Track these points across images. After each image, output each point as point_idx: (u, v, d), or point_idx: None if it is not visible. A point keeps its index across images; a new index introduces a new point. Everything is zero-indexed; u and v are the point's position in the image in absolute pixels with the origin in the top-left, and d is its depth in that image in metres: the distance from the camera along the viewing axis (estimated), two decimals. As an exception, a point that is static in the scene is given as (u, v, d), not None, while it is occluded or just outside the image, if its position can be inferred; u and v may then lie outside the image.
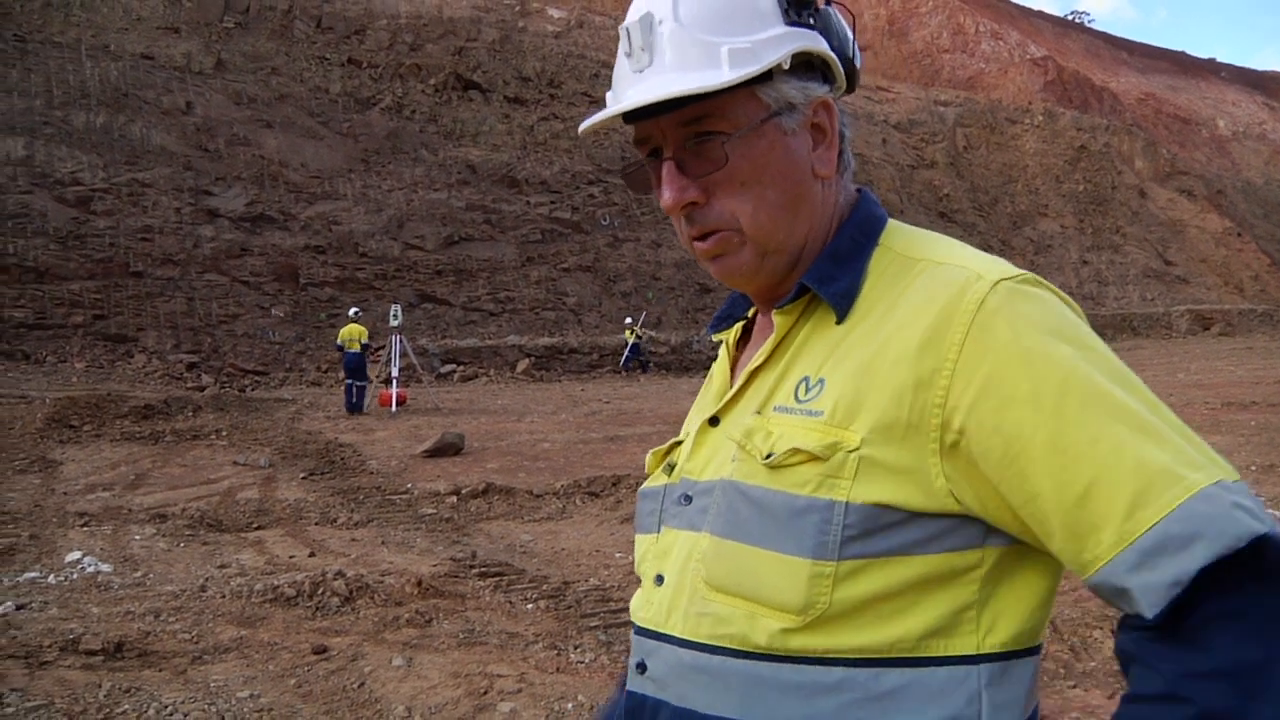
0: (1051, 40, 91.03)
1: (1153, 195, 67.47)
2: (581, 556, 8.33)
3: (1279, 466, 10.87)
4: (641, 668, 1.24)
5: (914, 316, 1.10)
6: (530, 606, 6.71)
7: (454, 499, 10.57)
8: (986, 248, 1.22)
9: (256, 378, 25.75)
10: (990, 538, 1.10)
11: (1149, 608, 0.97)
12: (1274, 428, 13.96)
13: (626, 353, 31.31)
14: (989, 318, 1.06)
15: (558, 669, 5.49)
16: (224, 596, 6.80)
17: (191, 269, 28.67)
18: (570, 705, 4.94)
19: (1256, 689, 0.92)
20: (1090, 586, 1.03)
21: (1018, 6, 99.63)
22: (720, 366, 1.35)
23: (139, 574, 7.50)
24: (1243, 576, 0.94)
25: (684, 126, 1.18)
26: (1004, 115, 66.04)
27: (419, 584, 6.91)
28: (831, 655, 1.09)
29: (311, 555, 8.19)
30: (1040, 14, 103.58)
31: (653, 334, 33.67)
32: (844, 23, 1.27)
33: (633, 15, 1.20)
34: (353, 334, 20.51)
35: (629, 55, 1.21)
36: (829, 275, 1.20)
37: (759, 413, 1.19)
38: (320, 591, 6.70)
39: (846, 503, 1.08)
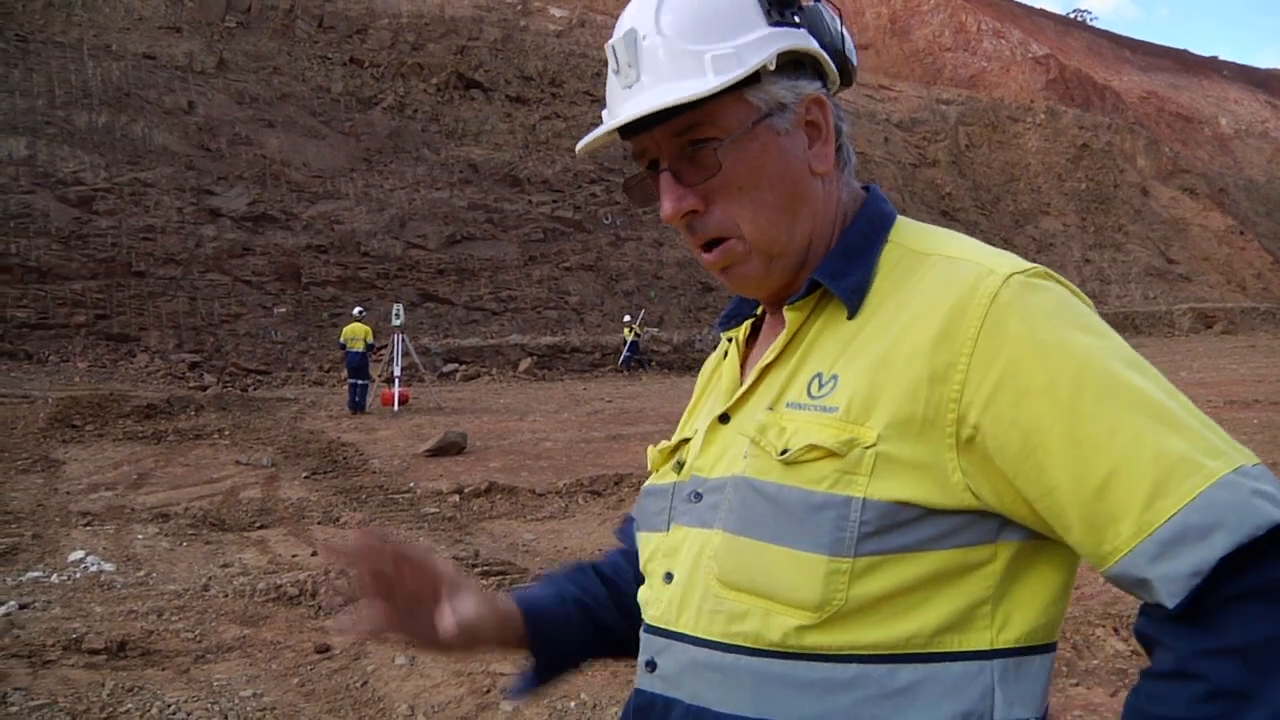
0: (1054, 39, 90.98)
1: (1155, 193, 67.44)
2: (584, 555, 8.29)
3: (1282, 465, 10.86)
4: (651, 666, 1.24)
5: (927, 311, 1.10)
6: (533, 605, 6.70)
7: (456, 498, 10.57)
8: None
9: (259, 377, 25.77)
10: (1004, 533, 1.09)
11: (1170, 598, 0.96)
12: (1277, 426, 13.95)
13: (625, 351, 31.29)
14: (1002, 311, 1.06)
15: (560, 668, 5.48)
16: (227, 596, 6.81)
17: (194, 268, 28.70)
18: (573, 704, 4.94)
19: (1269, 666, 0.92)
20: (1109, 578, 1.03)
21: (1020, 5, 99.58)
22: (730, 363, 1.34)
23: (142, 573, 7.51)
24: (1261, 560, 0.94)
25: (677, 136, 1.18)
26: (1006, 114, 66.02)
27: (421, 583, 6.89)
28: (846, 652, 1.09)
29: (314, 554, 8.19)
30: (1042, 12, 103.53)
31: (654, 332, 33.66)
32: (834, 18, 1.27)
33: (617, 33, 1.21)
34: (356, 333, 20.52)
35: (617, 73, 1.21)
36: (840, 271, 1.19)
37: (771, 409, 1.18)
38: (323, 590, 6.70)
39: (864, 499, 1.07)
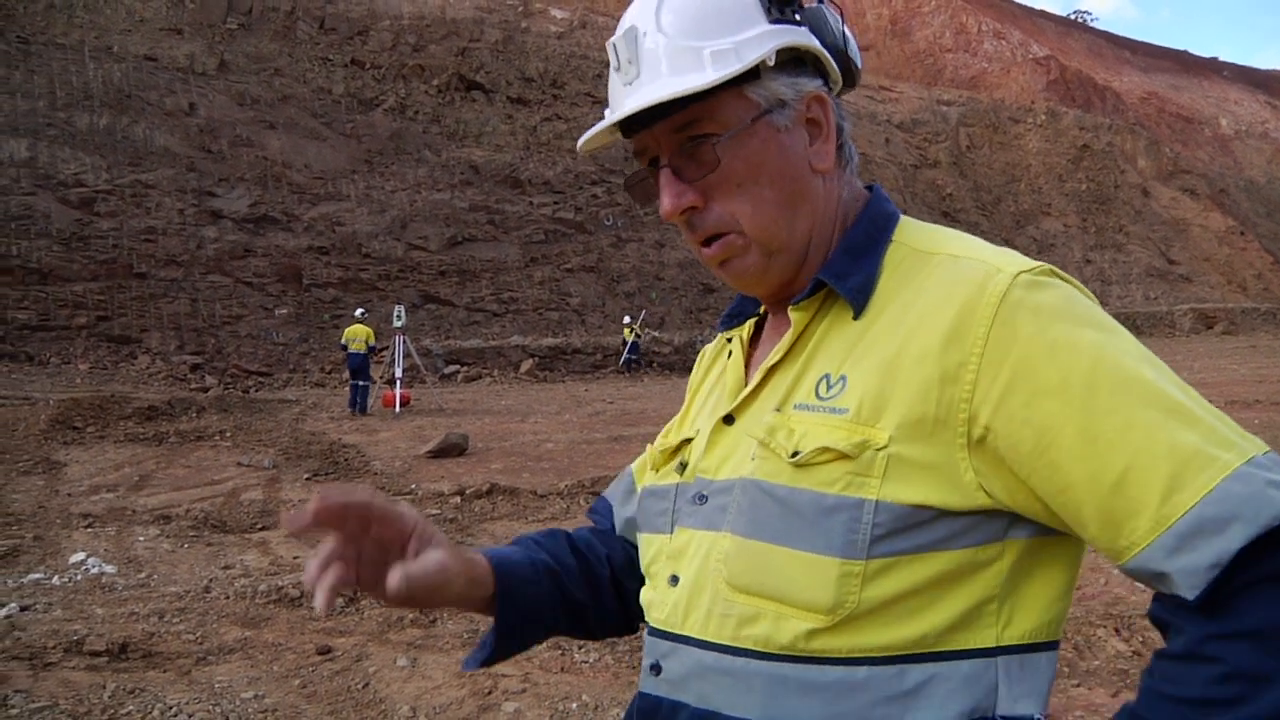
0: (1054, 40, 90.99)
1: (1156, 194, 67.44)
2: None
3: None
4: (656, 669, 1.23)
5: (935, 311, 1.10)
6: (534, 607, 6.70)
7: (458, 499, 10.57)
8: (989, 246, 1.23)
9: (260, 379, 25.78)
10: (1011, 531, 1.10)
11: (1190, 590, 0.97)
12: (1278, 426, 13.95)
13: (626, 352, 31.27)
14: (1011, 311, 1.06)
15: (562, 669, 5.49)
16: (228, 597, 6.81)
17: (195, 270, 28.72)
18: (575, 705, 4.94)
19: None
20: (1125, 571, 1.04)
21: (1020, 6, 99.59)
22: (734, 364, 1.34)
23: (143, 575, 7.51)
24: (1276, 549, 0.95)
25: (677, 133, 1.18)
26: (1007, 114, 66.03)
27: (423, 584, 6.89)
28: (857, 654, 1.09)
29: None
30: (1043, 13, 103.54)
31: (656, 334, 33.66)
32: (836, 18, 1.27)
33: (618, 31, 1.22)
34: (357, 334, 20.54)
35: (618, 70, 1.22)
36: (845, 270, 1.19)
37: (779, 410, 1.18)
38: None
39: (876, 501, 1.07)
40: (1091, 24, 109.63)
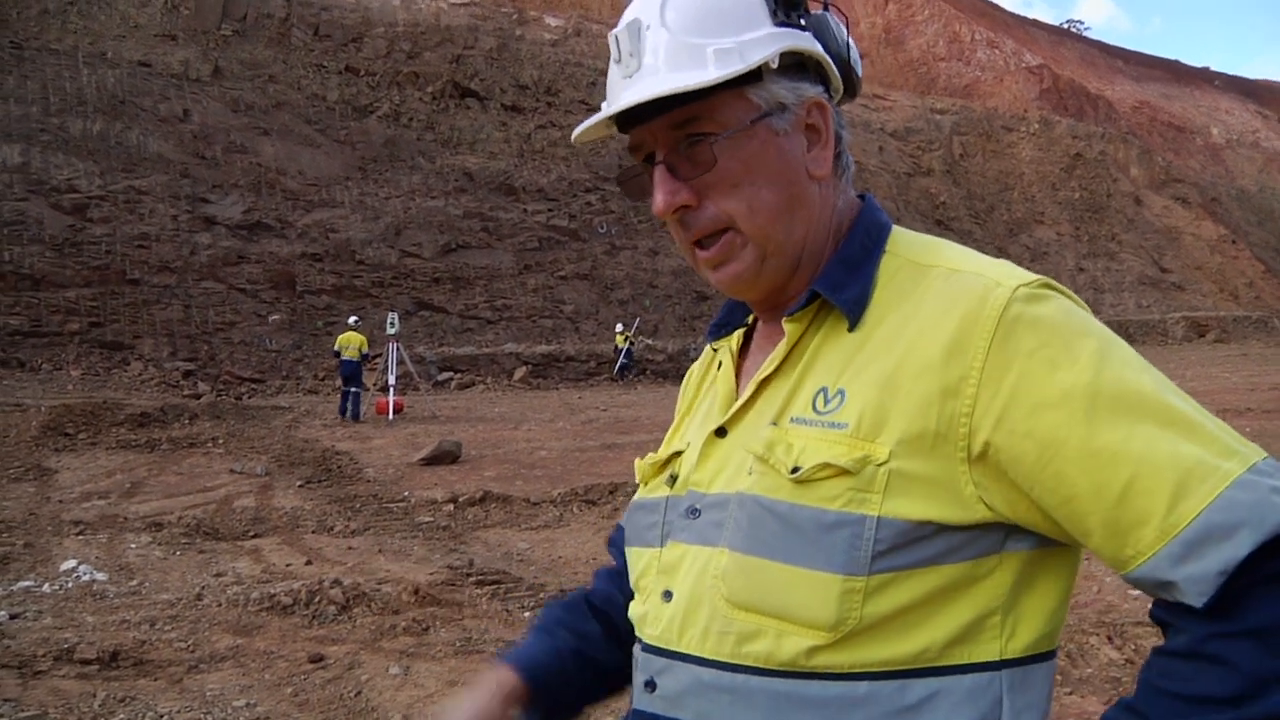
0: (1047, 49, 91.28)
1: (1148, 203, 67.65)
2: (578, 564, 8.31)
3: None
4: (650, 686, 1.21)
5: (934, 325, 1.10)
6: (527, 614, 6.70)
7: (451, 507, 10.56)
8: (983, 255, 1.22)
9: (253, 385, 25.73)
10: (1008, 543, 1.09)
11: (1198, 597, 0.97)
12: (1269, 434, 13.98)
13: (621, 360, 31.23)
14: (1012, 325, 1.06)
15: (555, 677, 5.47)
16: (220, 605, 6.78)
17: (188, 276, 28.67)
18: (567, 714, 4.92)
19: None
20: (1130, 580, 1.04)
21: (1013, 15, 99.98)
22: (724, 375, 1.32)
23: (134, 582, 7.48)
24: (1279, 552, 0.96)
25: (675, 129, 1.17)
26: (1000, 123, 66.20)
27: (416, 592, 6.89)
28: (859, 669, 1.08)
29: (308, 563, 8.17)
30: (1036, 23, 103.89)
31: (649, 341, 33.65)
32: (840, 27, 1.26)
33: (621, 23, 1.20)
34: (350, 341, 20.54)
35: (618, 62, 1.20)
36: (840, 282, 1.18)
37: (775, 424, 1.17)
38: (317, 600, 6.68)
39: (878, 517, 1.07)
40: (1084, 33, 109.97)
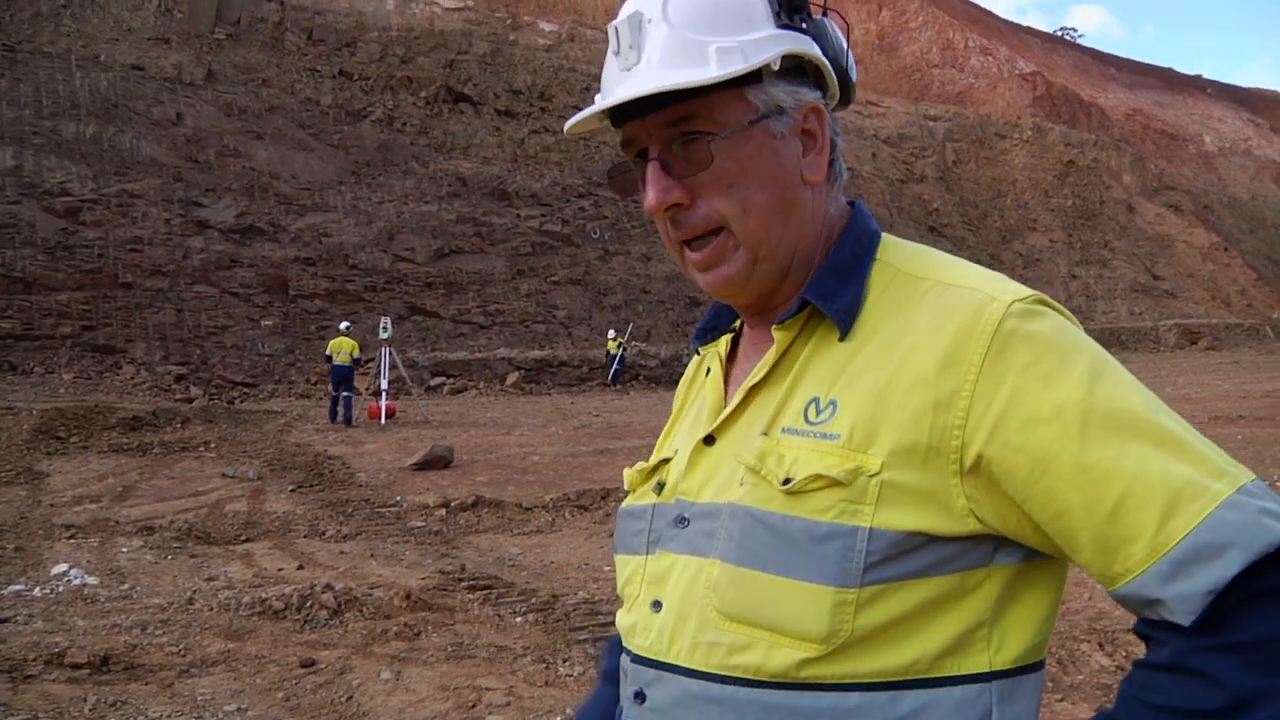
0: (1040, 56, 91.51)
1: (1140, 210, 67.84)
2: (570, 570, 8.31)
3: (1265, 480, 10.90)
4: (640, 697, 1.20)
5: (928, 338, 1.10)
6: (519, 620, 6.69)
7: (443, 512, 10.55)
8: (975, 262, 1.20)
9: (245, 390, 25.67)
10: (997, 556, 1.10)
11: (1186, 615, 0.98)
12: (1260, 441, 14.03)
13: (615, 366, 31.18)
14: (1006, 340, 1.06)
15: (546, 682, 5.48)
16: (212, 609, 6.77)
17: (181, 280, 28.62)
18: (558, 719, 4.93)
19: (1266, 663, 0.94)
20: (1117, 597, 1.04)
21: (1007, 22, 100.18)
22: (713, 382, 1.31)
23: (126, 586, 7.46)
24: (1268, 570, 0.96)
25: (670, 126, 1.16)
26: (993, 130, 66.37)
27: (408, 597, 6.88)
28: (849, 680, 1.08)
29: (300, 568, 8.16)
30: (1029, 30, 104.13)
31: (642, 346, 33.66)
32: (839, 34, 1.26)
33: (622, 15, 1.18)
34: (342, 346, 20.55)
35: (617, 54, 1.18)
36: (831, 291, 1.18)
37: (766, 434, 1.16)
38: (308, 604, 6.67)
39: (870, 529, 1.07)
40: (1077, 41, 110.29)
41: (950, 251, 1.24)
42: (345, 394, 20.05)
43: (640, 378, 32.04)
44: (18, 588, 7.30)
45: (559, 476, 12.86)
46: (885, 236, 1.26)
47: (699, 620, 1.15)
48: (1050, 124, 70.69)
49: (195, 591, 7.26)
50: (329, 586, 6.99)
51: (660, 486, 1.29)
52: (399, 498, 11.53)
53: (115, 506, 10.77)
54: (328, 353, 20.96)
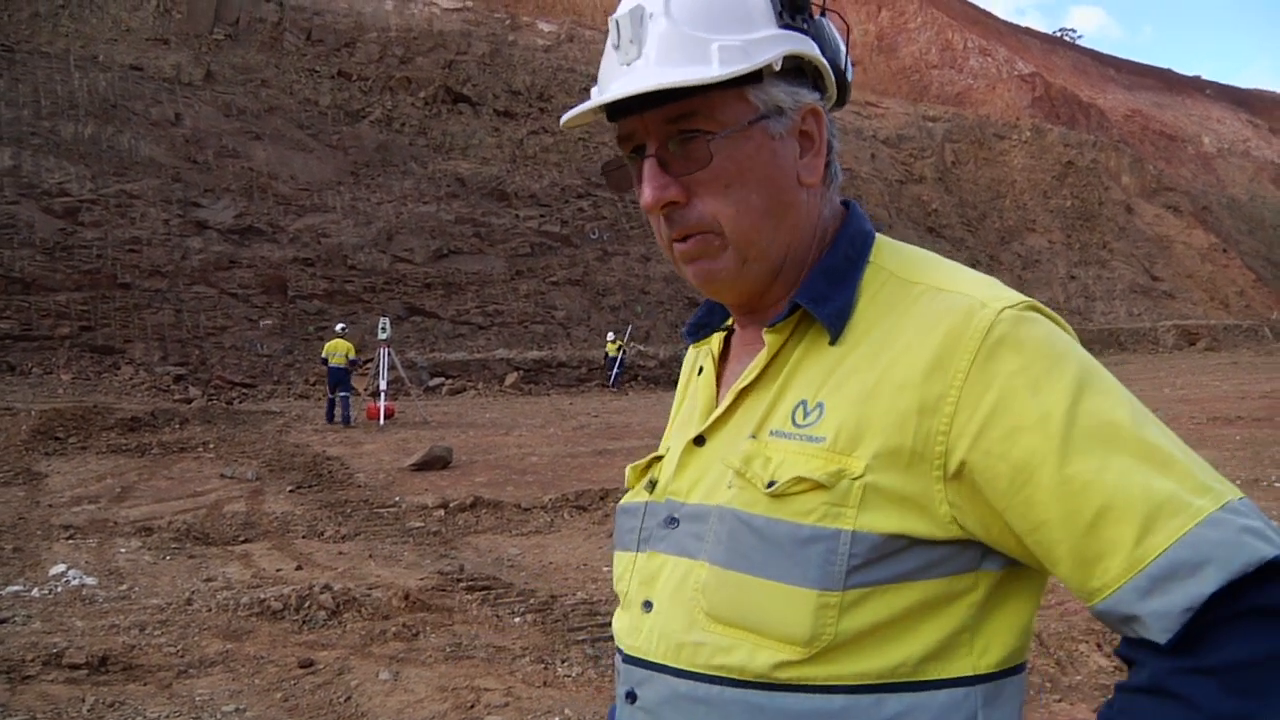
0: (1039, 57, 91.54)
1: (1139, 211, 67.85)
2: (569, 570, 8.31)
3: (1263, 481, 10.93)
4: (631, 697, 1.21)
5: (917, 343, 1.09)
6: (518, 620, 6.69)
7: (442, 512, 10.55)
8: (974, 263, 1.19)
9: (244, 390, 25.66)
10: (984, 562, 1.10)
11: (1162, 633, 0.97)
12: (1258, 442, 14.03)
13: (616, 369, 31.11)
14: (994, 346, 1.06)
15: (545, 683, 5.48)
16: (210, 610, 6.77)
17: (179, 281, 28.60)
18: (557, 719, 4.93)
19: (1244, 688, 0.93)
20: (1096, 613, 1.03)
21: (1006, 23, 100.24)
22: (705, 382, 1.31)
23: (124, 587, 7.46)
24: (1247, 590, 0.95)
25: (669, 124, 1.15)
26: (992, 131, 66.38)
27: (406, 597, 6.88)
28: (833, 683, 1.08)
29: (298, 568, 8.16)
30: (1028, 31, 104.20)
31: (640, 347, 33.64)
32: (837, 34, 1.25)
33: (623, 8, 1.18)
34: (337, 348, 20.56)
35: (617, 48, 1.17)
36: (822, 294, 1.17)
37: (754, 437, 1.16)
38: (307, 605, 6.67)
39: (853, 531, 1.06)
40: (1076, 42, 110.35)
41: (949, 252, 1.24)
42: (343, 394, 20.07)
43: (639, 378, 32.04)
44: (16, 588, 7.29)
45: (557, 477, 12.86)
46: (879, 238, 1.26)
47: (687, 621, 1.16)
48: (1049, 125, 70.71)
49: (193, 592, 7.26)
50: (327, 587, 6.99)
51: (652, 485, 1.29)
52: (397, 498, 11.53)
53: (114, 507, 10.77)
54: (323, 355, 20.98)
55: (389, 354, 21.31)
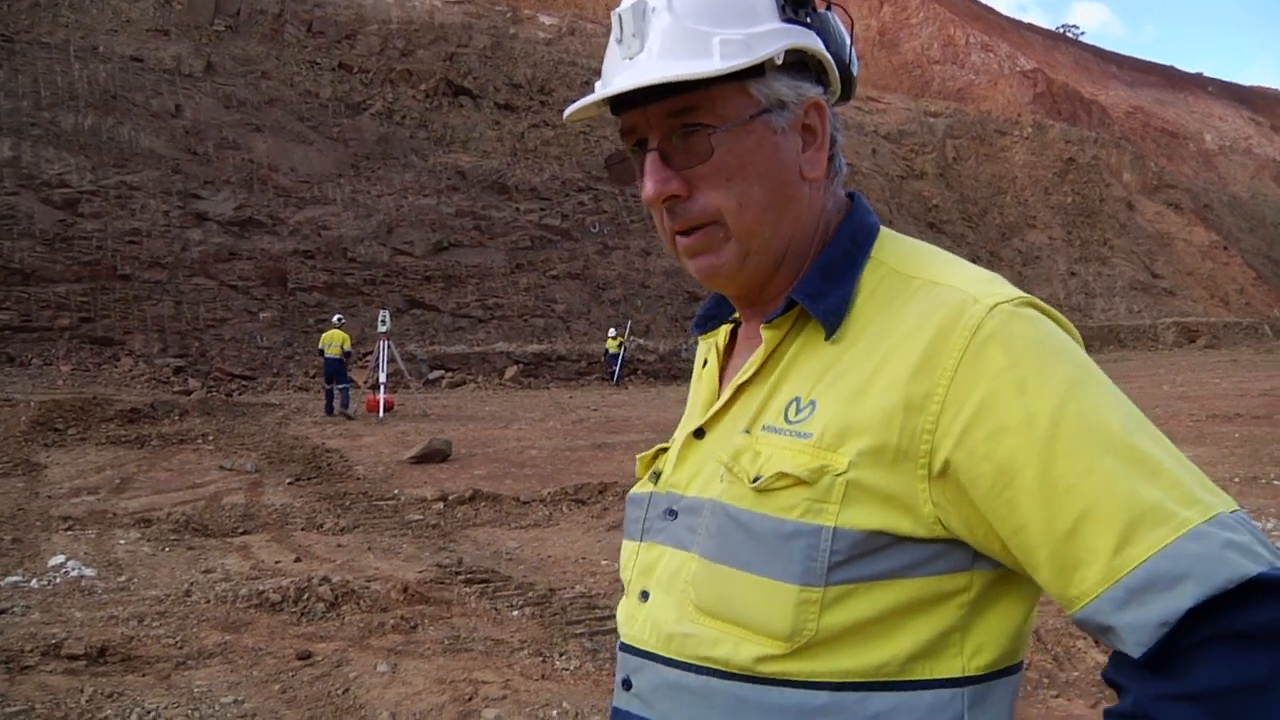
0: (1041, 53, 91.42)
1: (1140, 208, 67.82)
2: (567, 563, 8.31)
3: (1262, 479, 10.93)
4: (627, 684, 1.23)
5: (908, 340, 1.08)
6: (516, 613, 6.70)
7: (440, 505, 10.55)
8: (975, 259, 1.19)
9: (244, 382, 25.67)
10: (978, 562, 1.09)
11: (1136, 646, 0.95)
12: (1258, 440, 14.03)
13: (617, 366, 31.06)
14: (983, 343, 1.04)
15: (543, 676, 5.48)
16: (209, 601, 6.77)
17: (179, 272, 28.58)
18: (555, 712, 4.93)
19: (1227, 714, 0.91)
20: (1076, 621, 1.02)
21: (1008, 19, 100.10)
22: (709, 374, 1.32)
23: (123, 578, 7.46)
24: (1229, 609, 0.93)
25: (671, 117, 1.15)
26: (993, 127, 66.32)
27: (405, 590, 6.89)
28: (817, 679, 1.07)
29: (297, 560, 8.16)
30: (1030, 26, 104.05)
31: (640, 342, 33.64)
32: (842, 28, 1.25)
33: (626, 2, 1.18)
34: (334, 339, 20.58)
35: (619, 41, 1.18)
36: (819, 291, 1.17)
37: (747, 431, 1.17)
38: (305, 597, 6.68)
39: (834, 528, 1.06)
40: (1078, 38, 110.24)
41: (949, 248, 1.24)
42: (341, 386, 20.09)
43: (639, 372, 32.04)
44: (15, 579, 7.30)
45: (557, 470, 12.87)
46: (883, 231, 1.25)
47: (678, 612, 1.17)
48: (1050, 121, 70.64)
49: (192, 583, 7.26)
50: (326, 579, 7.00)
51: (656, 476, 1.30)
52: (397, 491, 11.54)
53: (113, 498, 10.77)
54: (320, 346, 20.99)
55: (389, 346, 21.33)
